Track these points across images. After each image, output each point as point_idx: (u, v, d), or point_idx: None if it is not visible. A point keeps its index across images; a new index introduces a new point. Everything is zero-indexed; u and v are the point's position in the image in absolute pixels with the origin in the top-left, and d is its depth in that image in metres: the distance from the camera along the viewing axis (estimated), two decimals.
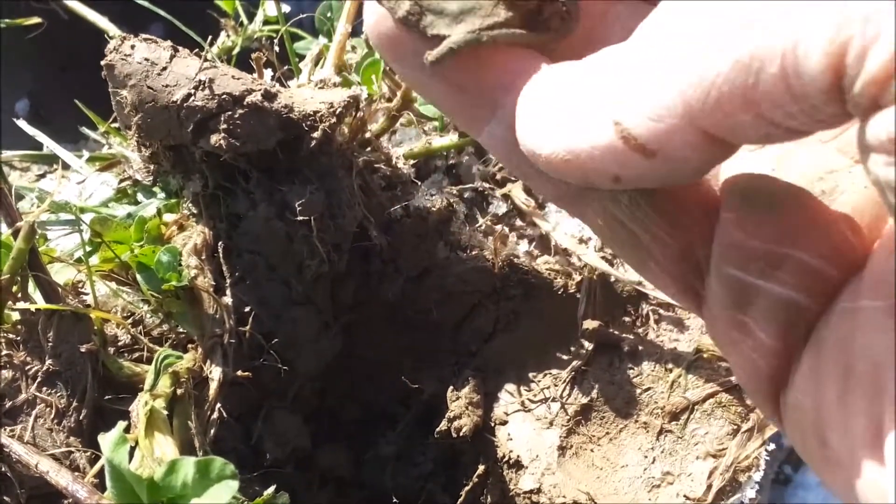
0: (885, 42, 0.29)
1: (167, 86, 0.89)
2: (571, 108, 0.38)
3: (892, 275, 0.34)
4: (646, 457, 0.97)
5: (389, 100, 1.07)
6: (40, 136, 1.11)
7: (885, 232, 0.37)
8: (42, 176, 1.27)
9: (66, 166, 1.13)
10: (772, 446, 0.95)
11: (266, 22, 1.31)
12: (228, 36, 1.32)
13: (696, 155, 0.35)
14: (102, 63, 0.90)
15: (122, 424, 0.75)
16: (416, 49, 0.44)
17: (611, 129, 0.36)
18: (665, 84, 0.34)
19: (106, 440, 0.73)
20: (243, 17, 1.31)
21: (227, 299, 0.92)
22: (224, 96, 0.89)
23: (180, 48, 0.93)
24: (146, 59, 0.90)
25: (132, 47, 0.90)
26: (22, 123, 1.10)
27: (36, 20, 1.25)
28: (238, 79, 0.91)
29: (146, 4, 1.22)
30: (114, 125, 1.15)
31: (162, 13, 1.23)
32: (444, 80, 0.44)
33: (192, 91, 0.89)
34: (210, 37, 1.11)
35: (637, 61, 0.36)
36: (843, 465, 0.35)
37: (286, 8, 1.27)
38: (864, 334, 0.34)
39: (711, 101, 0.33)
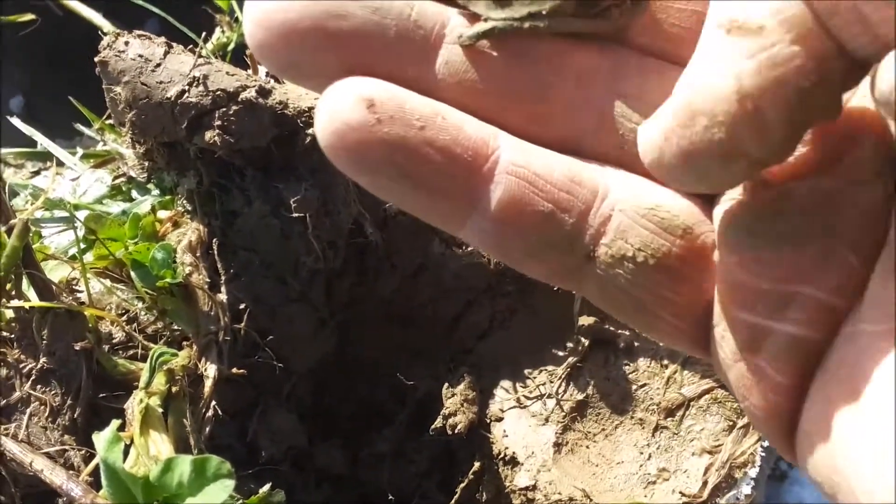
0: None
1: (161, 82, 0.89)
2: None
3: (891, 299, 0.34)
4: (641, 453, 0.97)
5: None
6: (35, 134, 1.10)
7: (882, 254, 0.36)
8: (37, 172, 1.27)
9: (60, 163, 1.13)
10: (767, 443, 0.95)
11: None
12: (223, 32, 1.31)
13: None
14: (96, 60, 0.90)
15: (115, 423, 0.75)
16: (384, 158, 0.40)
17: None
18: None
19: (100, 439, 0.73)
20: (238, 13, 1.31)
21: (222, 296, 0.92)
22: (218, 93, 0.89)
23: (174, 44, 0.92)
24: (140, 56, 0.89)
25: (126, 44, 0.90)
26: (16, 121, 1.10)
27: (30, 17, 1.24)
28: (232, 75, 0.91)
29: (140, 2, 1.22)
30: (108, 122, 1.14)
31: (156, 11, 1.23)
32: (416, 186, 0.41)
33: (186, 87, 0.89)
34: (204, 33, 1.11)
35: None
36: (854, 493, 0.35)
37: None
38: (868, 358, 0.34)
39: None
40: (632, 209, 0.42)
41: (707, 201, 0.42)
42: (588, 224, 0.42)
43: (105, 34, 1.21)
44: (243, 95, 0.89)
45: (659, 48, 0.43)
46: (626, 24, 0.43)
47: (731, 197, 0.41)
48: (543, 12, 0.42)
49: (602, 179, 0.42)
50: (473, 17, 0.43)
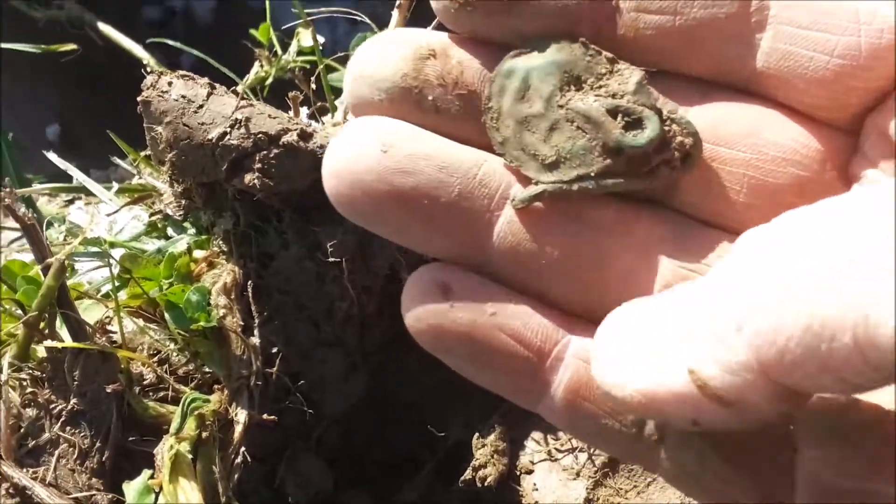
0: None
1: (203, 124, 0.88)
2: (646, 350, 0.38)
3: None
4: None
5: None
6: (70, 169, 1.10)
7: None
8: (70, 202, 1.27)
9: (92, 193, 1.12)
10: None
11: (300, 52, 1.30)
12: (262, 66, 1.31)
13: (773, 406, 0.35)
14: (139, 99, 0.90)
15: (147, 472, 0.74)
16: (460, 345, 0.44)
17: (685, 376, 0.36)
18: (738, 337, 0.34)
19: (131, 489, 0.72)
20: (277, 48, 1.30)
21: (255, 340, 0.91)
22: (260, 135, 0.88)
23: (217, 85, 0.92)
24: (183, 97, 0.89)
25: (169, 84, 0.90)
26: (52, 156, 1.09)
27: (71, 46, 1.24)
28: (274, 118, 0.90)
29: (180, 46, 1.22)
30: (143, 153, 1.14)
31: (195, 53, 1.22)
32: (488, 368, 0.44)
33: (228, 130, 0.88)
34: (245, 76, 1.10)
35: (711, 304, 0.36)
36: None
37: (320, 38, 1.26)
38: None
39: (786, 363, 0.32)
40: None
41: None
42: None
43: (144, 65, 1.22)
44: (285, 139, 0.88)
45: (710, 208, 0.44)
46: (675, 181, 0.43)
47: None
48: (592, 174, 0.42)
49: None
50: (528, 181, 0.44)
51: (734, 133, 0.43)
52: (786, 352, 0.32)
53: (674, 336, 0.37)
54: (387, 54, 0.44)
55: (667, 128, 0.42)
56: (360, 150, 0.43)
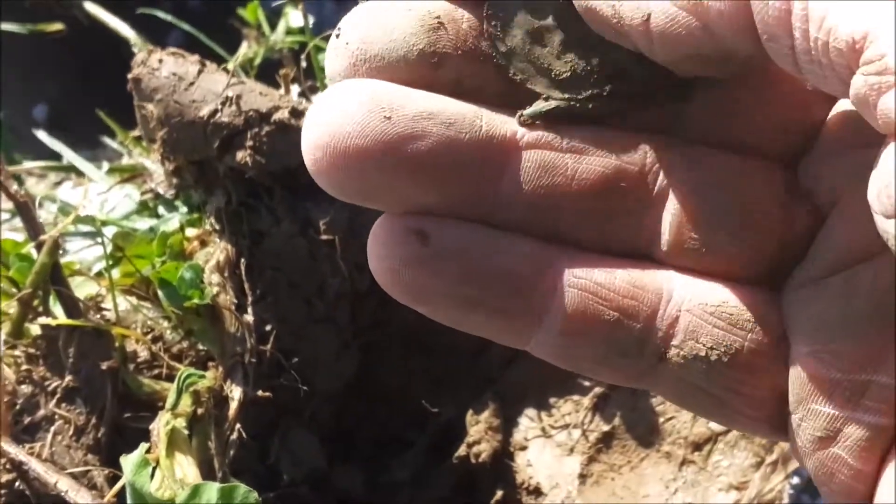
0: None
1: (194, 101, 0.88)
2: None
3: None
4: (667, 487, 0.95)
5: None
6: (62, 149, 1.10)
7: None
8: (59, 183, 1.26)
9: (81, 173, 1.12)
10: (795, 480, 0.94)
11: (288, 32, 1.30)
12: (250, 46, 1.31)
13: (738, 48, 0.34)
14: (129, 76, 0.90)
15: (144, 446, 0.74)
16: (444, 289, 0.39)
17: None
18: None
19: (128, 462, 0.72)
20: (265, 27, 1.30)
21: (249, 317, 0.91)
22: (251, 113, 0.88)
23: (207, 63, 0.92)
24: (174, 74, 0.89)
25: (160, 61, 0.90)
26: (42, 135, 1.09)
27: (59, 27, 1.24)
28: (265, 95, 0.90)
29: (167, 17, 1.21)
30: (133, 134, 1.14)
31: (184, 27, 1.22)
32: (479, 311, 0.40)
33: (219, 107, 0.88)
34: (233, 57, 1.10)
35: None
36: None
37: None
38: None
39: None
40: (699, 308, 0.41)
41: (773, 292, 0.42)
42: (656, 327, 0.41)
43: (133, 45, 1.21)
44: (276, 116, 0.88)
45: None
46: (678, 110, 0.41)
47: (799, 287, 0.40)
48: (605, 93, 0.40)
49: (664, 282, 0.41)
50: (530, 100, 0.41)
51: None
52: None
53: None
54: (391, 30, 0.39)
55: None
56: (361, 120, 0.37)
